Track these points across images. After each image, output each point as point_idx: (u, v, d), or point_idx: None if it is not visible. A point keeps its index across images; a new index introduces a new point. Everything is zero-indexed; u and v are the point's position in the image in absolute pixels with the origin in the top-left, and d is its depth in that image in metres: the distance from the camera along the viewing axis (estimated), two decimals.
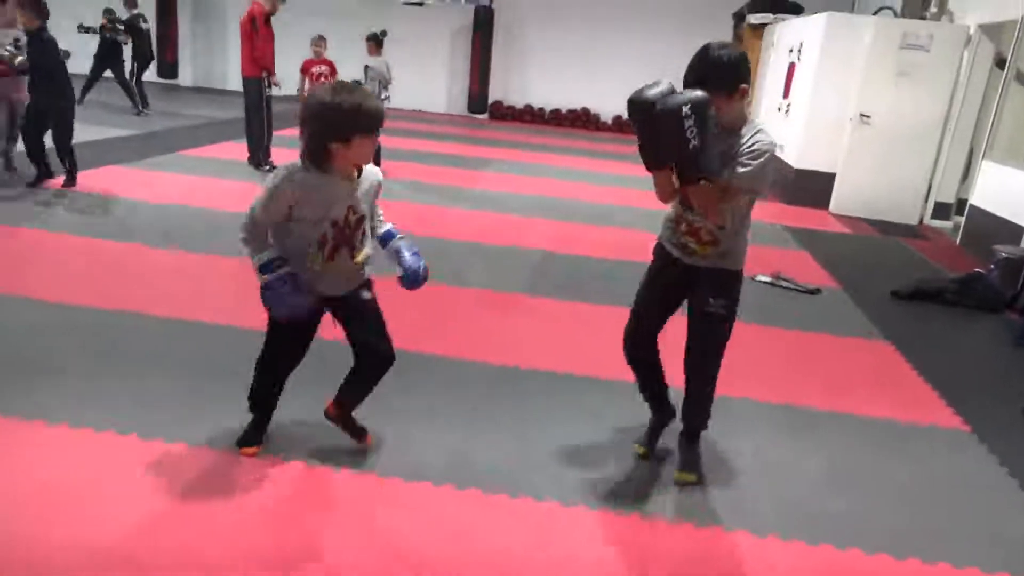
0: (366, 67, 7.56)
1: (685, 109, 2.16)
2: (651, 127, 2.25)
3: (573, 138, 12.82)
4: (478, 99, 13.95)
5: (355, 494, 2.41)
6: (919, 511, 2.62)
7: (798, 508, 2.55)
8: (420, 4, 15.11)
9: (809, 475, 2.78)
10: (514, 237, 5.85)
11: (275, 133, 7.64)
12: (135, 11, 10.37)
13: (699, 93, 2.20)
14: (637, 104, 2.27)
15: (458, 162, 9.25)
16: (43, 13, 5.48)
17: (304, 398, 2.72)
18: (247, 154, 7.54)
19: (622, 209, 7.28)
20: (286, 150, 8.17)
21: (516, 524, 2.32)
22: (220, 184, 6.71)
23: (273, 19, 7.25)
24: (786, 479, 2.73)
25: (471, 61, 13.82)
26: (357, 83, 2.17)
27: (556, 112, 14.45)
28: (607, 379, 3.33)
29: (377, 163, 7.81)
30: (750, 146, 2.33)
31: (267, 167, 7.40)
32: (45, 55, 5.52)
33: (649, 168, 2.38)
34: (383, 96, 7.52)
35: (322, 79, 7.62)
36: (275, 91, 7.33)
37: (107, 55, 9.99)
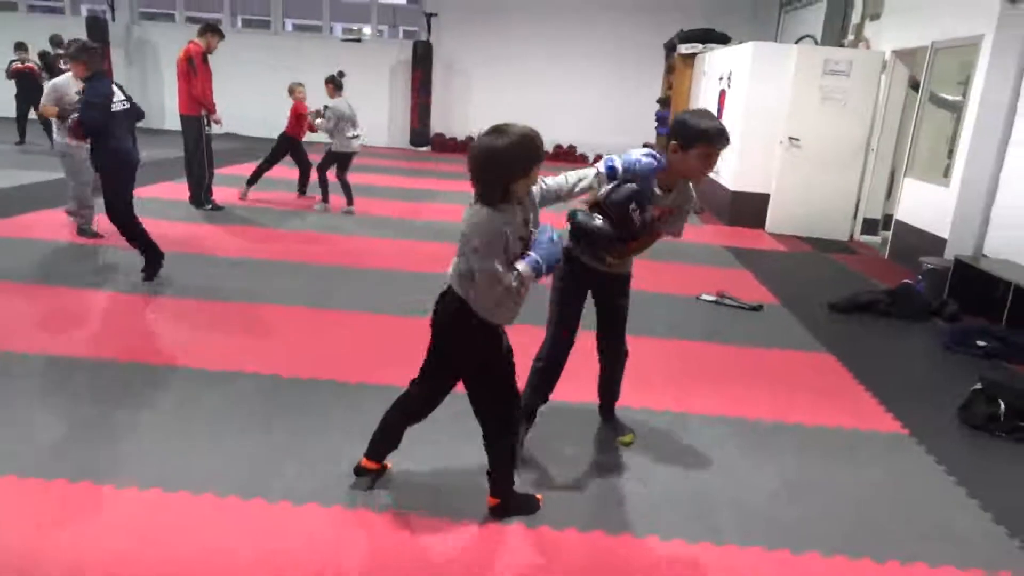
0: (325, 107, 7.60)
1: (632, 205, 2.63)
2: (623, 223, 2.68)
3: None
4: (420, 132, 14.05)
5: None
6: (868, 513, 2.75)
7: (756, 516, 2.66)
8: (358, 40, 15.23)
9: (764, 485, 2.89)
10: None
11: (217, 171, 7.57)
12: (59, 51, 10.21)
13: (632, 186, 2.63)
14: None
15: (404, 195, 9.29)
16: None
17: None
18: (188, 194, 7.44)
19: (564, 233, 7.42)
20: (229, 188, 8.13)
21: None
22: (162, 225, 6.60)
23: (212, 57, 7.22)
24: (743, 489, 2.83)
25: (411, 95, 13.94)
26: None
27: None
28: (578, 402, 3.40)
29: (350, 201, 7.66)
30: (693, 202, 2.86)
31: (209, 206, 7.30)
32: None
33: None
34: (351, 135, 7.62)
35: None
36: (215, 129, 7.27)
37: (28, 93, 10.00)
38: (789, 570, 2.37)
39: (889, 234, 7.82)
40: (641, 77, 14.01)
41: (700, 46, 11.48)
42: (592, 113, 14.14)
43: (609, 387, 3.20)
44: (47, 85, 5.89)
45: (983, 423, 3.54)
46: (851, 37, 9.04)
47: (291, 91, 8.20)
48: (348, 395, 3.39)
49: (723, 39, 11.44)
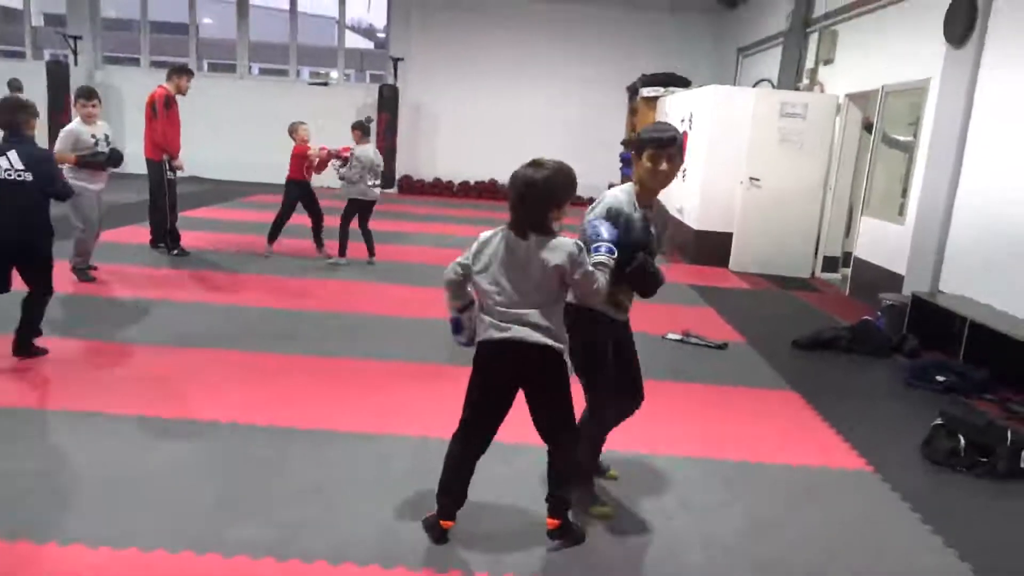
0: (352, 154, 7.36)
1: (648, 266, 2.72)
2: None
3: (482, 209, 13.08)
4: (386, 174, 14.08)
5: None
6: (835, 551, 2.74)
7: (725, 555, 2.63)
8: (325, 84, 15.34)
9: (732, 524, 2.86)
10: (430, 309, 5.88)
11: (183, 215, 7.47)
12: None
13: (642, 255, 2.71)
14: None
15: (377, 238, 9.24)
16: None
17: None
18: (149, 238, 7.33)
19: None
20: (196, 232, 8.03)
21: None
22: (121, 269, 6.48)
23: (182, 100, 7.19)
24: (711, 528, 2.81)
25: (377, 137, 14.00)
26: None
27: (465, 184, 14.77)
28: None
29: (371, 252, 7.47)
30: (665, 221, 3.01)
31: (175, 251, 7.19)
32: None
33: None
34: (371, 183, 7.39)
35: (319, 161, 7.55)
36: (179, 173, 7.20)
37: None
38: None
39: (849, 271, 7.98)
40: (605, 119, 14.28)
41: (662, 89, 11.77)
42: (558, 154, 14.17)
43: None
44: (62, 131, 5.90)
45: (944, 458, 3.57)
46: (806, 81, 9.32)
47: (292, 131, 7.66)
48: (305, 441, 3.31)
49: (684, 83, 11.74)
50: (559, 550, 2.58)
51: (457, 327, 2.67)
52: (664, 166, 2.76)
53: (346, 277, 6.81)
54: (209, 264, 6.98)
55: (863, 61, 8.02)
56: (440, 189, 14.76)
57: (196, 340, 4.69)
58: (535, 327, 2.43)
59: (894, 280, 6.69)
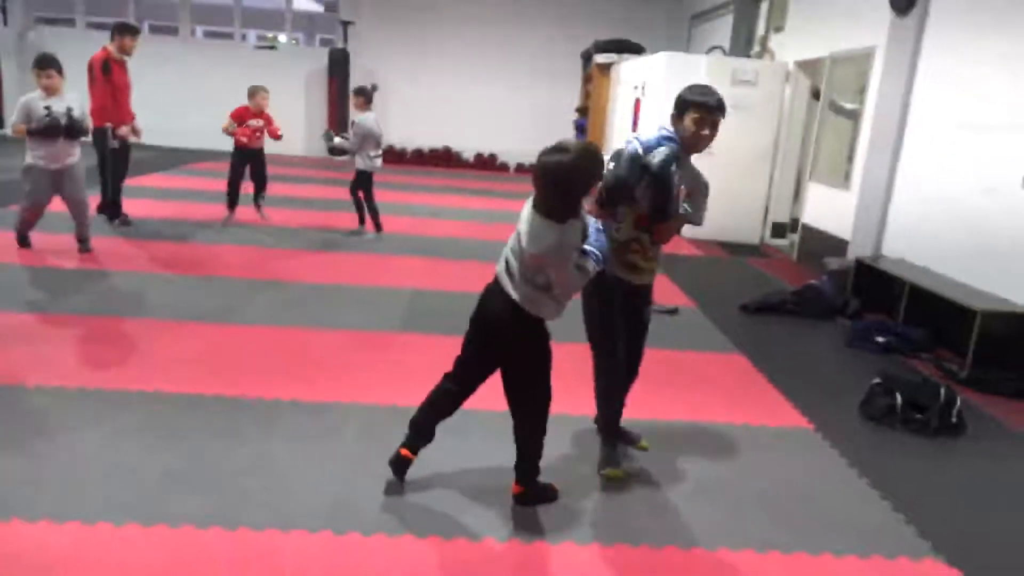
0: (352, 122, 7.14)
1: (674, 167, 2.72)
2: (662, 189, 2.75)
3: (436, 176, 12.97)
4: None
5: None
6: (777, 508, 2.83)
7: (673, 515, 2.69)
8: (273, 48, 14.90)
9: (680, 485, 2.93)
10: (383, 277, 5.83)
11: (128, 183, 7.18)
12: None
13: (669, 149, 2.75)
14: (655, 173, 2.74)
15: (322, 205, 9.10)
16: None
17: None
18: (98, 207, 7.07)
19: (485, 244, 7.44)
20: (143, 200, 7.78)
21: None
22: (61, 239, 6.25)
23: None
24: (659, 490, 2.87)
25: (328, 103, 13.70)
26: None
27: (418, 151, 14.57)
28: (489, 411, 3.38)
29: (377, 224, 7.34)
30: (704, 185, 2.96)
31: (116, 221, 6.93)
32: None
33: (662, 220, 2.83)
34: (373, 154, 7.14)
35: (257, 134, 7.28)
36: (131, 140, 6.86)
37: None
38: (702, 567, 2.41)
39: (796, 237, 8.15)
40: (560, 86, 14.20)
41: (615, 56, 11.73)
42: (512, 122, 14.22)
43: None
44: (18, 102, 5.58)
45: (882, 416, 3.71)
46: (757, 48, 9.40)
47: (250, 95, 7.28)
48: (257, 411, 3.27)
49: (637, 49, 11.72)
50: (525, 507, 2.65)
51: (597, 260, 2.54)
52: (706, 131, 2.84)
53: (293, 247, 6.69)
54: (152, 234, 6.78)
55: (812, 29, 8.11)
56: (393, 157, 14.52)
57: (136, 311, 4.58)
58: (511, 290, 2.47)
59: (839, 245, 6.85)
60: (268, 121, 7.40)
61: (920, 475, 3.23)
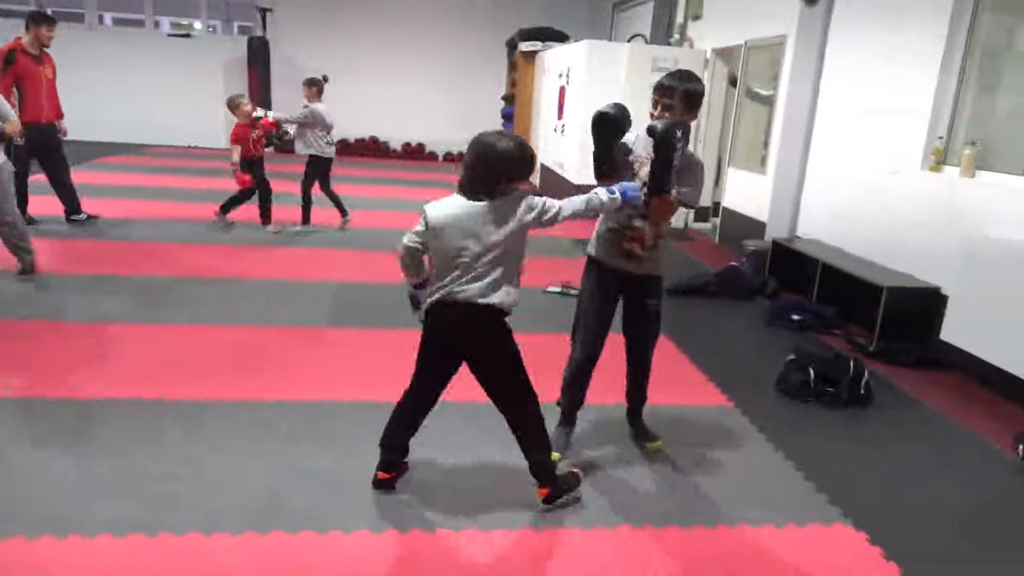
0: (306, 108, 7.04)
1: (677, 134, 2.62)
2: (664, 159, 2.65)
3: (363, 167, 12.78)
4: None
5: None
6: (698, 484, 2.93)
7: (600, 495, 2.76)
8: (187, 36, 14.36)
9: (605, 467, 3.01)
10: (311, 271, 5.74)
11: (42, 178, 6.81)
12: None
13: (670, 121, 2.68)
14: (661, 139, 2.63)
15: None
16: None
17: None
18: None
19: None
20: (45, 198, 7.41)
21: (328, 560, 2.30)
22: None
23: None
24: (587, 472, 2.94)
25: (249, 93, 13.30)
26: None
27: (344, 142, 14.31)
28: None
29: (344, 212, 7.38)
30: (697, 164, 2.94)
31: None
32: None
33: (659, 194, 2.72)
34: (325, 140, 7.19)
35: (257, 143, 6.97)
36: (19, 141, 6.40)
37: None
38: (632, 543, 2.49)
39: (718, 221, 8.40)
40: (486, 75, 14.18)
41: (539, 44, 11.78)
42: (440, 112, 14.14)
43: (639, 391, 3.25)
44: None
45: (796, 391, 3.88)
46: (677, 36, 9.59)
47: (234, 107, 6.83)
48: (183, 413, 3.19)
49: (561, 37, 11.80)
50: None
51: (415, 303, 2.62)
52: (656, 111, 2.87)
53: (215, 242, 6.51)
54: (66, 233, 6.48)
55: (728, 17, 8.33)
56: None
57: (48, 313, 4.39)
58: (490, 287, 2.43)
59: (758, 228, 7.10)
60: (263, 126, 7.05)
61: (831, 446, 3.40)
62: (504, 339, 2.54)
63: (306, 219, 7.34)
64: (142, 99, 13.55)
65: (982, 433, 3.62)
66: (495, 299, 2.44)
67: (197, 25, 14.87)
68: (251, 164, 7.05)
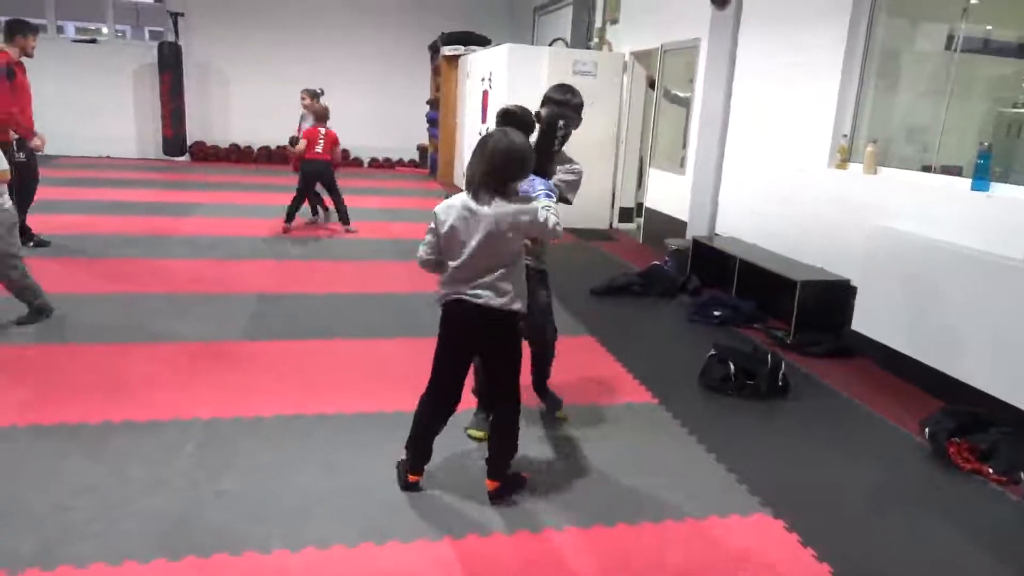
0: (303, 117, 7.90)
1: (560, 123, 3.05)
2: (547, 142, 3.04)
3: (284, 175, 12.46)
4: (174, 141, 12.97)
5: None
6: (624, 481, 2.95)
7: (539, 498, 2.74)
8: (92, 41, 13.72)
9: (529, 467, 2.98)
10: (228, 283, 5.55)
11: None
12: None
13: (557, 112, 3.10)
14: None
15: (159, 210, 8.52)
16: None
17: None
18: None
19: (338, 243, 7.27)
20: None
21: None
22: None
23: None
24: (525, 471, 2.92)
25: (161, 101, 12.82)
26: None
27: (265, 149, 13.97)
28: (358, 412, 3.30)
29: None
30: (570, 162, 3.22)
31: (31, 243, 6.09)
32: None
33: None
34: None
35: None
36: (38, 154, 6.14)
37: None
38: (556, 545, 2.48)
39: (641, 220, 8.54)
40: (409, 79, 14.06)
41: (462, 48, 11.77)
42: (363, 117, 13.90)
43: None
44: None
45: (718, 385, 3.96)
46: (596, 40, 9.73)
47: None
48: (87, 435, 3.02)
49: (483, 41, 11.82)
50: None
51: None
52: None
53: (129, 255, 6.22)
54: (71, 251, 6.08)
55: (644, 20, 8.50)
56: (238, 155, 13.86)
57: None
58: (498, 291, 2.51)
59: (679, 227, 7.24)
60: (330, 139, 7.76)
61: (751, 437, 3.48)
62: (511, 339, 2.67)
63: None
64: (46, 108, 12.96)
65: (891, 419, 3.77)
66: (503, 301, 2.53)
67: (104, 30, 14.22)
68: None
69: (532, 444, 3.19)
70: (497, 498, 2.71)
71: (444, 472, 2.88)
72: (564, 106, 3.15)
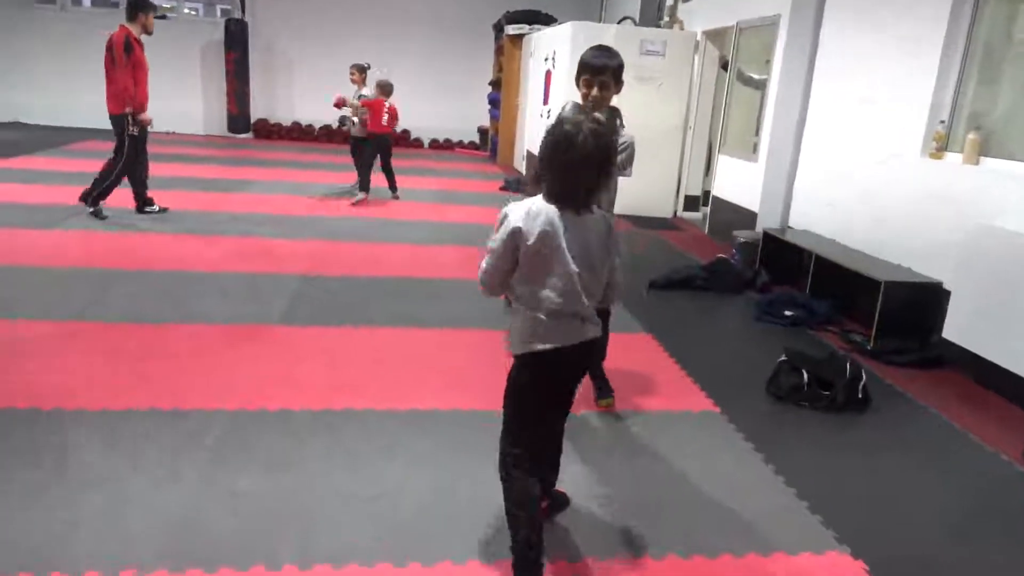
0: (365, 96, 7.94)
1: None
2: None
3: (343, 154, 12.39)
4: (239, 118, 13.04)
5: None
6: (676, 506, 2.62)
7: (585, 525, 2.46)
8: (164, 17, 13.88)
9: (573, 475, 2.69)
10: (273, 262, 5.40)
11: (9, 164, 6.48)
12: None
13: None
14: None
15: (218, 186, 8.50)
16: None
17: None
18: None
19: (395, 224, 7.07)
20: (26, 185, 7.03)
21: None
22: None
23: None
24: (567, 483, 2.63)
25: (227, 78, 12.89)
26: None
27: (327, 128, 13.92)
28: (388, 409, 3.07)
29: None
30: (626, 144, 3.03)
31: (157, 208, 6.66)
32: None
33: None
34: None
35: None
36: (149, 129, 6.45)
37: None
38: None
39: (708, 210, 8.08)
40: (472, 60, 13.79)
41: (527, 27, 11.43)
42: (425, 97, 13.72)
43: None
44: None
45: (788, 394, 3.58)
46: (666, 19, 9.24)
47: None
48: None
49: (549, 20, 11.45)
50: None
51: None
52: (596, 91, 2.87)
53: (177, 231, 6.16)
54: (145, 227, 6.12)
55: None
56: (299, 134, 13.87)
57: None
58: (593, 321, 2.04)
59: (749, 218, 6.79)
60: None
61: (826, 457, 3.09)
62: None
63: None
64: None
65: (987, 442, 3.32)
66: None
67: (181, 8, 14.37)
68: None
69: (572, 455, 2.88)
70: (548, 517, 2.40)
71: (474, 486, 2.60)
72: (603, 72, 2.86)
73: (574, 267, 1.93)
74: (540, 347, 1.98)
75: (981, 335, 3.87)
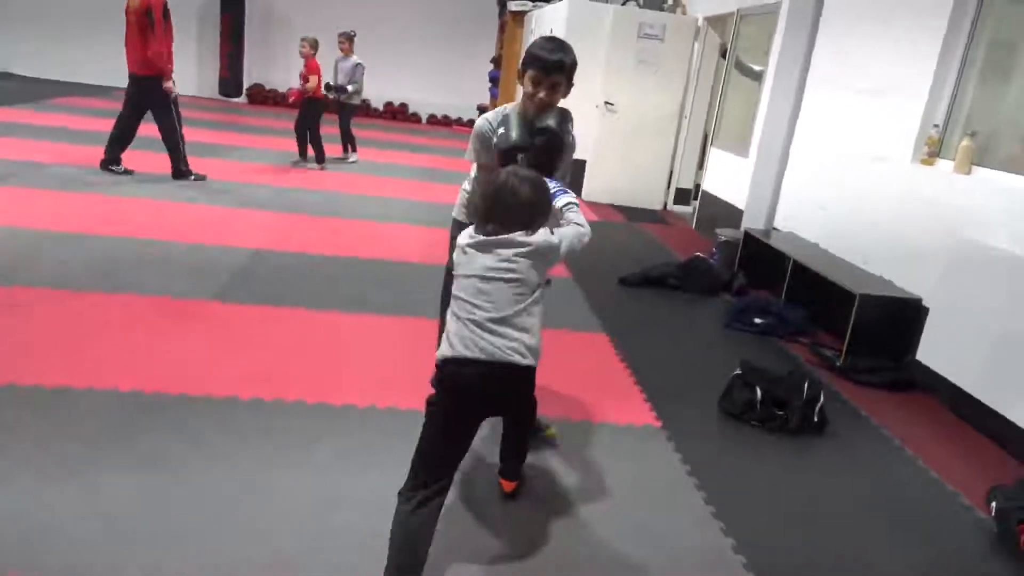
0: (357, 64, 8.23)
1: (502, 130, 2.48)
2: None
3: (334, 124, 12.10)
4: (230, 82, 12.74)
5: None
6: (581, 533, 2.37)
7: (475, 527, 2.21)
8: None
9: (478, 492, 2.45)
10: (225, 235, 5.15)
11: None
12: None
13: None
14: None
15: (196, 150, 8.21)
16: None
17: None
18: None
19: (370, 199, 6.80)
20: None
21: None
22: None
23: None
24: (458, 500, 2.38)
25: (220, 41, 12.58)
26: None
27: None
28: (319, 403, 2.83)
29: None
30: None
31: (192, 177, 6.69)
32: None
33: None
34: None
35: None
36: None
37: None
38: None
39: (697, 204, 7.78)
40: (475, 35, 13.45)
41: (529, 3, 11.08)
42: (424, 71, 13.41)
43: None
44: None
45: (740, 411, 3.31)
46: (670, 2, 8.87)
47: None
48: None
49: None
50: None
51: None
52: (543, 94, 2.41)
53: (124, 194, 5.91)
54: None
55: None
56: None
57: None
58: (520, 342, 1.96)
59: (735, 215, 6.49)
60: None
61: (767, 485, 2.83)
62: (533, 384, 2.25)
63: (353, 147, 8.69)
64: (107, 41, 13.07)
65: (950, 481, 3.05)
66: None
67: None
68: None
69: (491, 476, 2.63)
70: (513, 497, 2.46)
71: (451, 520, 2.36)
72: (557, 71, 2.39)
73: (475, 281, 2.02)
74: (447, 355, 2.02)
75: (959, 361, 3.59)
